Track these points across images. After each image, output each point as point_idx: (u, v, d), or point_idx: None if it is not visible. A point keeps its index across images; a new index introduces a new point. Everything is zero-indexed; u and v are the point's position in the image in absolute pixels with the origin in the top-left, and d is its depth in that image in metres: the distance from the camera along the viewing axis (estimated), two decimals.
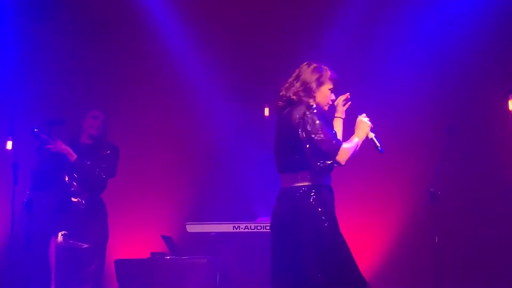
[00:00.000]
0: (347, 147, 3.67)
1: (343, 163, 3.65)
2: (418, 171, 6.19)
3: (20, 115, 5.60)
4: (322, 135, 3.60)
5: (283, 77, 3.86)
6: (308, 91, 3.76)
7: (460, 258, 6.03)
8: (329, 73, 3.82)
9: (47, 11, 6.64)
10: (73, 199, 5.27)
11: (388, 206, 6.29)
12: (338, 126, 3.89)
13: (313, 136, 3.60)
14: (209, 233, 5.49)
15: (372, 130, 3.81)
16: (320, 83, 3.78)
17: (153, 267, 5.42)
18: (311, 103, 3.72)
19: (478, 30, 6.18)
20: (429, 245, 5.30)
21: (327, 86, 3.81)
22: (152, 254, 5.62)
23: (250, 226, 5.42)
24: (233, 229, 5.41)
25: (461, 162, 6.17)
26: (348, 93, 3.88)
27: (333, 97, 3.84)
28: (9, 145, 5.05)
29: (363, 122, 3.79)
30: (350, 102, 3.90)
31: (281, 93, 3.80)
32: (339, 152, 3.63)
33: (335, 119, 3.90)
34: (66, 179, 5.28)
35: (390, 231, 6.28)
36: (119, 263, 5.54)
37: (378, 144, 3.80)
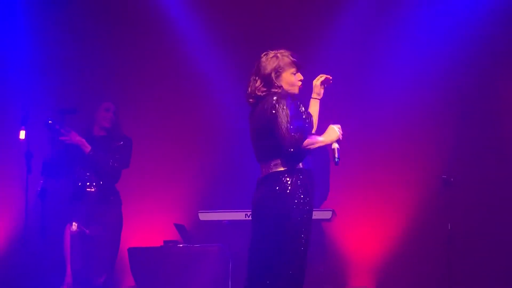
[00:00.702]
0: (309, 142, 3.67)
1: (306, 149, 3.66)
2: (431, 158, 6.17)
3: (32, 104, 5.63)
4: (284, 128, 3.59)
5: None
6: (270, 84, 3.74)
7: (474, 244, 6.00)
8: (286, 58, 3.76)
9: (60, 3, 6.67)
10: (87, 189, 5.31)
11: (400, 193, 6.28)
12: (313, 107, 3.83)
13: (279, 128, 3.60)
14: (221, 221, 5.51)
15: (344, 141, 3.79)
16: (279, 72, 3.74)
17: (166, 255, 5.45)
18: (278, 92, 3.69)
19: (492, 14, 6.12)
20: (442, 232, 5.29)
21: (289, 71, 3.76)
22: (165, 242, 5.64)
23: None
24: (245, 217, 5.42)
25: (474, 148, 6.13)
26: (329, 76, 3.81)
27: (300, 77, 3.78)
28: (22, 134, 5.07)
29: (334, 130, 3.78)
30: (331, 82, 3.82)
31: (248, 91, 3.79)
32: (308, 140, 3.65)
33: (311, 100, 3.84)
34: (80, 170, 5.32)
35: (402, 218, 6.26)
36: (132, 251, 5.58)
37: (337, 156, 3.75)
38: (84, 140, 5.26)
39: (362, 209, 6.35)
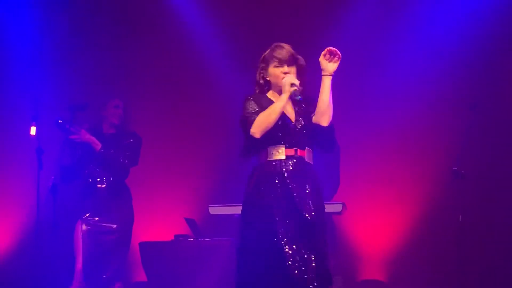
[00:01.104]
0: (260, 118, 3.65)
1: (256, 135, 3.64)
2: (442, 150, 6.15)
3: (43, 101, 5.66)
4: (242, 116, 3.69)
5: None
6: (261, 86, 3.82)
7: (484, 236, 5.99)
8: (270, 51, 3.79)
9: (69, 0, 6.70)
10: (98, 185, 5.34)
11: (411, 185, 6.27)
12: (322, 84, 3.74)
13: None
14: (231, 215, 5.51)
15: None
16: (265, 65, 3.80)
17: (177, 249, 5.48)
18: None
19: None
20: (453, 224, 5.27)
21: (272, 66, 3.78)
22: (176, 236, 5.67)
23: None
24: None
25: (485, 140, 6.11)
26: (332, 48, 3.73)
27: (284, 69, 3.75)
28: (33, 130, 5.11)
29: (284, 83, 3.70)
30: (338, 56, 3.74)
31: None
32: (252, 125, 3.65)
33: (322, 77, 3.77)
34: (90, 167, 5.35)
35: (413, 210, 6.25)
36: (144, 245, 5.60)
37: (298, 95, 3.68)
38: (94, 138, 5.30)
39: (372, 202, 6.34)
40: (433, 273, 6.04)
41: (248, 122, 3.68)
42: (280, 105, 3.67)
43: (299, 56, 3.82)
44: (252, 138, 3.66)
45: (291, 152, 3.72)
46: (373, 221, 6.35)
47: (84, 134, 5.28)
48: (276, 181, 3.66)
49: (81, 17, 6.67)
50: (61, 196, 5.16)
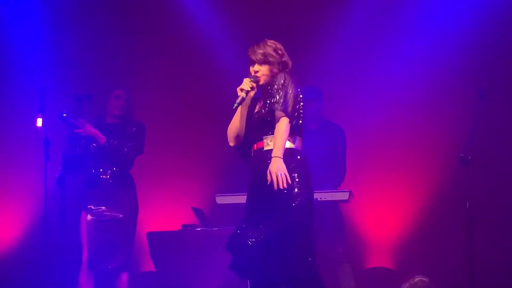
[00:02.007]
0: (228, 131, 4.06)
1: (230, 143, 4.07)
2: (448, 136, 6.14)
3: (49, 92, 5.66)
4: None
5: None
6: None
7: (492, 223, 5.98)
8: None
9: None
10: (101, 175, 5.36)
11: (418, 172, 6.26)
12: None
13: None
14: (238, 204, 5.51)
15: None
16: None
17: (184, 238, 5.48)
18: None
19: None
20: (460, 211, 5.26)
21: (251, 67, 3.97)
22: (183, 226, 5.67)
23: None
24: None
25: (492, 126, 6.08)
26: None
27: (254, 69, 3.94)
28: (39, 122, 5.12)
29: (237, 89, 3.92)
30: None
31: None
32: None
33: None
34: (95, 158, 5.36)
35: (420, 197, 6.25)
36: (151, 235, 5.62)
37: (236, 103, 3.90)
38: (98, 132, 5.31)
39: (379, 190, 6.33)
40: (441, 260, 6.04)
41: None
42: (236, 114, 4.00)
43: (273, 53, 3.92)
44: (234, 148, 4.08)
45: (254, 147, 3.97)
46: (381, 208, 6.34)
47: (88, 128, 5.29)
48: (251, 176, 3.97)
49: (86, 9, 6.67)
50: (69, 187, 5.18)
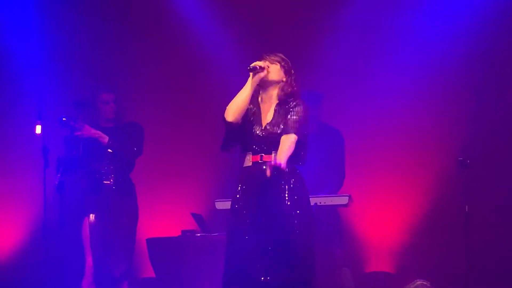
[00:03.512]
0: (231, 102, 3.95)
1: (228, 118, 3.94)
2: (447, 140, 6.14)
3: (48, 99, 5.67)
4: None
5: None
6: None
7: (491, 227, 5.98)
8: None
9: None
10: (104, 181, 5.35)
11: (417, 176, 6.26)
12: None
13: None
14: None
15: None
16: None
17: (184, 244, 5.49)
18: None
19: None
20: (460, 215, 5.26)
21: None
22: (183, 231, 5.68)
23: None
24: None
25: (490, 130, 6.09)
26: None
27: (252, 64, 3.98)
28: (38, 129, 5.13)
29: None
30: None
31: None
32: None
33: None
34: (97, 162, 5.36)
35: (419, 201, 6.25)
36: (151, 241, 5.62)
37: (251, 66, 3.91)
38: (100, 132, 5.30)
39: (379, 194, 6.34)
40: (440, 264, 6.03)
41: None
42: (245, 87, 3.92)
43: (286, 60, 4.02)
44: (227, 127, 3.93)
45: (257, 158, 3.94)
46: (380, 212, 6.34)
47: (88, 129, 5.27)
48: (244, 187, 3.93)
49: (83, 15, 6.67)
50: (68, 194, 5.18)
